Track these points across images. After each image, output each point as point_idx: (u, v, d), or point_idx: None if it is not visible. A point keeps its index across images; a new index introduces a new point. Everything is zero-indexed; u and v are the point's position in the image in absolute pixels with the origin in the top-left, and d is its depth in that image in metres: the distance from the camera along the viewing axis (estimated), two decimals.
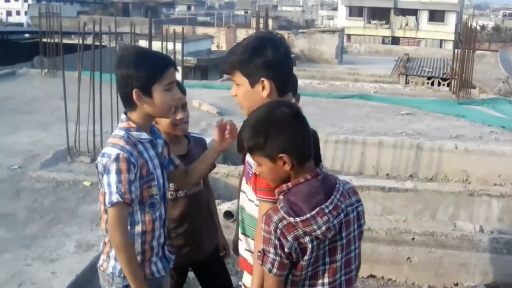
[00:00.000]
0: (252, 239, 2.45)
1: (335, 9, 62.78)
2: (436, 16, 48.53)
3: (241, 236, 2.55)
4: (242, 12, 75.61)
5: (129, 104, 2.44)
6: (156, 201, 2.51)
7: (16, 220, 4.88)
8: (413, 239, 4.88)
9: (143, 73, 2.37)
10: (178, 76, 6.60)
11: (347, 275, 2.24)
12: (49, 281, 3.86)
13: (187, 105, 3.10)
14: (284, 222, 2.08)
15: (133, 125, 2.44)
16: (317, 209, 2.07)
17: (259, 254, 2.17)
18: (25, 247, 4.34)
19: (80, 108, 6.53)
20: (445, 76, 19.32)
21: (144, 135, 2.46)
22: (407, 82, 19.34)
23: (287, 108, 2.19)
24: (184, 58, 11.93)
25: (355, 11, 50.72)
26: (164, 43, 7.20)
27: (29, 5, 59.14)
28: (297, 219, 2.06)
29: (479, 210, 6.29)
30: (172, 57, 6.92)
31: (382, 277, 5.03)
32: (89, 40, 6.74)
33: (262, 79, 2.37)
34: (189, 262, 3.19)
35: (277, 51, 2.39)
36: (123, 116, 2.49)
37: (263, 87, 2.37)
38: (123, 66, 2.39)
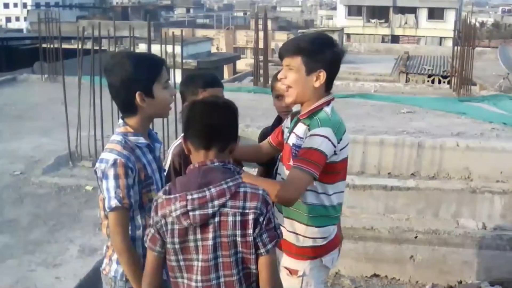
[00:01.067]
0: (297, 221, 2.62)
1: (334, 8, 62.72)
2: (435, 13, 48.47)
3: (285, 220, 2.69)
4: (241, 14, 75.62)
5: (129, 109, 2.45)
6: None
7: (20, 225, 4.89)
8: (416, 237, 4.89)
9: (144, 74, 2.40)
10: (178, 78, 6.60)
11: (227, 277, 2.16)
12: (53, 286, 3.87)
13: None
14: (160, 199, 2.16)
15: (130, 130, 2.46)
16: (181, 193, 2.10)
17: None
18: (29, 252, 4.35)
19: (81, 112, 6.54)
20: (445, 73, 19.32)
21: (142, 140, 2.47)
22: (407, 81, 19.35)
23: (209, 99, 2.27)
24: (184, 60, 11.93)
25: (354, 10, 50.68)
26: (164, 46, 7.20)
27: (28, 11, 59.25)
28: (164, 196, 2.14)
29: (481, 207, 6.29)
30: (171, 60, 6.95)
31: (386, 276, 5.03)
32: (88, 45, 6.74)
33: (320, 70, 2.57)
34: None
35: (341, 51, 2.66)
36: (120, 121, 2.51)
37: (317, 78, 2.58)
38: (121, 72, 2.39)
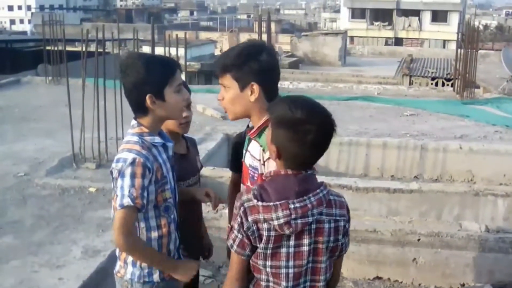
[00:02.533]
0: None
1: (338, 11, 62.76)
2: (439, 16, 48.43)
3: None
4: (245, 16, 75.72)
5: (141, 110, 2.46)
6: (170, 205, 2.54)
7: (23, 227, 4.90)
8: (418, 240, 4.88)
9: (155, 77, 2.41)
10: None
11: (312, 282, 2.24)
12: (56, 287, 3.88)
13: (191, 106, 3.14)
14: (250, 203, 2.15)
15: (146, 130, 2.47)
16: (283, 201, 2.11)
17: (227, 228, 2.25)
18: (32, 253, 4.36)
19: (85, 114, 6.56)
20: (448, 76, 19.31)
21: (158, 139, 2.49)
22: (411, 83, 19.34)
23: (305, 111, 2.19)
24: (188, 63, 11.95)
25: (357, 13, 50.69)
26: (167, 48, 7.23)
27: (32, 13, 59.41)
28: (259, 203, 2.12)
29: (484, 210, 6.28)
30: None
31: (389, 279, 5.03)
32: (92, 47, 6.76)
33: (252, 83, 2.44)
34: None
35: (270, 57, 2.49)
36: (133, 122, 2.51)
37: (252, 91, 2.44)
38: (133, 73, 2.41)
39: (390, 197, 6.25)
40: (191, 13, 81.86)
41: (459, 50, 12.77)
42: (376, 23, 49.91)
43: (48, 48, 11.65)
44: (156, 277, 2.52)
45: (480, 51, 14.08)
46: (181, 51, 7.07)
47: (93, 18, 56.09)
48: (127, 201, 2.32)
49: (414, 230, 4.92)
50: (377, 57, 28.13)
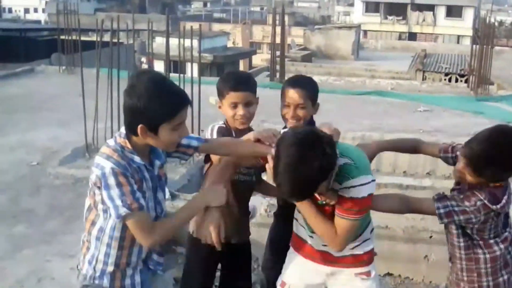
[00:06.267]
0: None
1: (352, 5, 62.41)
2: (453, 11, 48.02)
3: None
4: (258, 9, 75.57)
5: (131, 132, 2.31)
6: None
7: (36, 216, 4.93)
8: (430, 237, 4.86)
9: (153, 112, 2.22)
10: (195, 72, 6.61)
11: None
12: (68, 277, 3.89)
13: (253, 104, 3.06)
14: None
15: (129, 146, 2.33)
16: None
17: None
18: (45, 243, 4.39)
19: (98, 105, 6.57)
20: (462, 72, 19.17)
21: (136, 159, 2.33)
22: (424, 79, 19.22)
23: None
24: (201, 54, 11.94)
25: (371, 7, 50.38)
26: (181, 40, 7.20)
27: (46, 2, 59.62)
28: None
29: None
30: (188, 53, 6.95)
31: (399, 275, 5.01)
32: (106, 37, 6.76)
33: None
34: (226, 242, 3.15)
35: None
36: (122, 131, 2.36)
37: None
38: (134, 98, 2.22)
39: (402, 193, 6.21)
40: (205, 5, 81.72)
41: (473, 46, 12.66)
42: (390, 18, 49.59)
43: (62, 37, 11.68)
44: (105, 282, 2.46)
45: (495, 48, 13.94)
46: (195, 43, 7.04)
47: (107, 8, 56.19)
48: (123, 210, 2.24)
49: (426, 227, 4.90)
50: (390, 51, 27.95)
